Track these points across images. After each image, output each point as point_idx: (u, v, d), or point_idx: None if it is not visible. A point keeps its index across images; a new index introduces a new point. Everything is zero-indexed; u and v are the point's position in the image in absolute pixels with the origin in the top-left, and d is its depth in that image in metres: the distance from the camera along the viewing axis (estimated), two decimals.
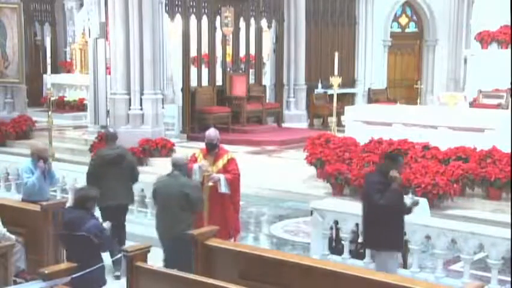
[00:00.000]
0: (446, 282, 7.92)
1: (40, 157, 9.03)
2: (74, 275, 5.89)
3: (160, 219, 8.10)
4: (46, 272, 5.70)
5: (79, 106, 22.64)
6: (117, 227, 8.49)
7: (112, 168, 8.95)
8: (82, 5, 23.42)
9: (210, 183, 8.61)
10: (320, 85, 21.53)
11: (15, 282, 6.82)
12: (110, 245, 7.27)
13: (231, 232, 8.88)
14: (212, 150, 8.81)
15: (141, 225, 9.48)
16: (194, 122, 18.56)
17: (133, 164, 9.44)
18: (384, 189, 7.55)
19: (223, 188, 8.65)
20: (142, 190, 10.77)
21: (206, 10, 18.93)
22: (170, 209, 7.88)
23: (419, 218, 8.60)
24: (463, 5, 24.49)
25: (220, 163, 8.79)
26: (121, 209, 9.08)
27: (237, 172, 8.85)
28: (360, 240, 8.94)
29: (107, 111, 17.50)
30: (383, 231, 7.61)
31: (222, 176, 8.66)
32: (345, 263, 8.22)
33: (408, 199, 7.96)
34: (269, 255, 6.41)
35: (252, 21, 20.09)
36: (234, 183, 8.82)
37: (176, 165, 8.06)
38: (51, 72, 16.04)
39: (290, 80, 20.87)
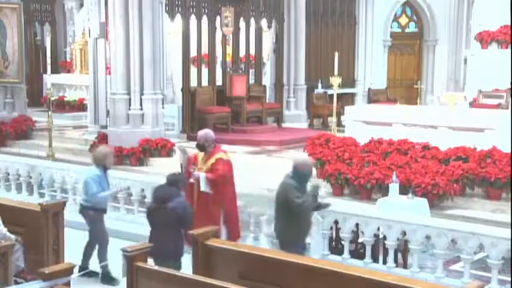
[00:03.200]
0: (446, 282, 7.92)
1: (105, 165, 9.01)
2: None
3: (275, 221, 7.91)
4: (46, 272, 5.69)
5: (79, 106, 22.63)
6: None
7: None
8: (82, 5, 23.42)
9: (191, 180, 8.66)
10: (320, 85, 21.52)
11: (15, 282, 6.82)
12: (191, 221, 7.78)
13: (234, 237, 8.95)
14: (201, 150, 8.85)
15: (141, 225, 9.46)
16: (194, 122, 18.54)
17: None
18: None
19: (202, 186, 8.69)
20: (142, 190, 10.77)
21: (206, 10, 18.93)
22: (276, 211, 7.74)
23: (419, 218, 8.62)
24: (463, 5, 24.49)
25: (210, 162, 8.83)
26: None
27: (220, 172, 8.79)
28: (360, 240, 8.95)
29: (107, 111, 17.50)
30: None
31: (202, 175, 8.71)
32: (345, 263, 8.22)
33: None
34: (269, 255, 6.41)
35: (252, 21, 20.08)
36: (216, 183, 8.79)
37: (293, 165, 7.86)
38: (52, 72, 16.04)
39: (290, 80, 20.85)
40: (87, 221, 9.08)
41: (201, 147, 8.85)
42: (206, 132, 8.98)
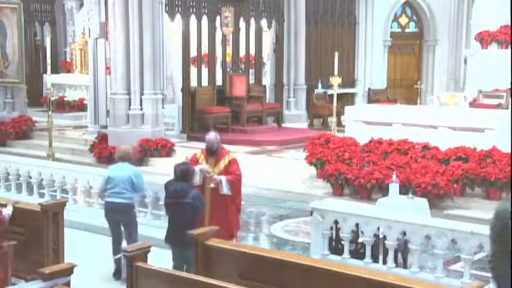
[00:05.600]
0: (446, 282, 7.91)
1: (132, 161, 8.90)
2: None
3: None
4: (46, 272, 5.69)
5: (79, 106, 22.65)
6: None
7: None
8: (82, 5, 23.40)
9: (212, 185, 8.61)
10: (320, 85, 21.54)
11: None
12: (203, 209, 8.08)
13: (234, 233, 8.89)
14: (213, 154, 8.80)
15: (141, 225, 9.45)
16: (194, 122, 18.57)
17: None
18: None
19: (225, 189, 8.65)
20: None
21: (206, 10, 18.94)
22: (496, 244, 6.30)
23: (419, 218, 8.61)
24: (463, 5, 24.52)
25: (222, 164, 8.77)
26: None
27: (238, 173, 8.81)
28: (360, 240, 8.95)
29: (107, 111, 17.51)
30: None
31: (223, 178, 8.64)
32: (345, 263, 8.21)
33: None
34: (269, 255, 6.40)
35: (252, 21, 20.09)
36: (236, 184, 8.79)
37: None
38: (52, 72, 16.05)
39: (290, 80, 20.87)
40: (128, 219, 8.75)
41: (215, 150, 8.82)
42: (215, 136, 8.92)
